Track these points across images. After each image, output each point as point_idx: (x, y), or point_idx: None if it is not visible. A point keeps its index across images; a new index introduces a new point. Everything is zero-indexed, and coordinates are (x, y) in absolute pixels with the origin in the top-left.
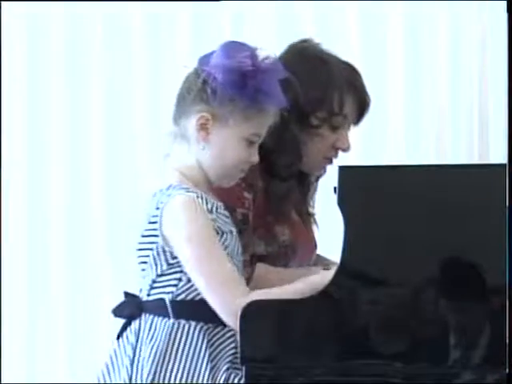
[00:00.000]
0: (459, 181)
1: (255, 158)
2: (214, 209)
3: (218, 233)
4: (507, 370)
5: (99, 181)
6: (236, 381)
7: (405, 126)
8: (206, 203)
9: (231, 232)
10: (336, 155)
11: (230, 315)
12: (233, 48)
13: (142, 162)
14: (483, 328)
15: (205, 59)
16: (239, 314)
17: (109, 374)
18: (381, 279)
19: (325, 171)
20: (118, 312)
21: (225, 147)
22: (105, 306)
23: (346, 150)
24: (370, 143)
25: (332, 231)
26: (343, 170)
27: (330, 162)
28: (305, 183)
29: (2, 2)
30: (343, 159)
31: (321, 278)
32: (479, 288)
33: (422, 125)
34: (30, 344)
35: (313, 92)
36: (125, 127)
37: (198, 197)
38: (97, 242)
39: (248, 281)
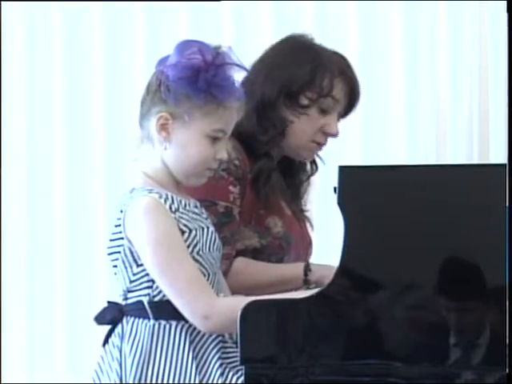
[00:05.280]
0: (459, 181)
1: (222, 155)
2: (181, 207)
3: (183, 232)
4: (507, 370)
5: (100, 179)
6: (235, 378)
7: (405, 126)
8: (172, 202)
9: (202, 228)
10: (324, 141)
11: (196, 317)
12: (183, 45)
13: None
14: (483, 328)
15: (163, 61)
16: (212, 314)
17: (99, 379)
18: (381, 279)
19: (317, 168)
20: (100, 319)
21: (187, 145)
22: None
23: (334, 135)
24: (370, 143)
25: (332, 231)
26: (343, 170)
27: (319, 147)
28: (295, 180)
29: (2, 2)
30: (343, 159)
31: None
32: (479, 288)
33: (422, 125)
34: (30, 344)
35: (302, 72)
36: (125, 127)
37: (160, 197)
38: (97, 241)
39: (225, 273)
